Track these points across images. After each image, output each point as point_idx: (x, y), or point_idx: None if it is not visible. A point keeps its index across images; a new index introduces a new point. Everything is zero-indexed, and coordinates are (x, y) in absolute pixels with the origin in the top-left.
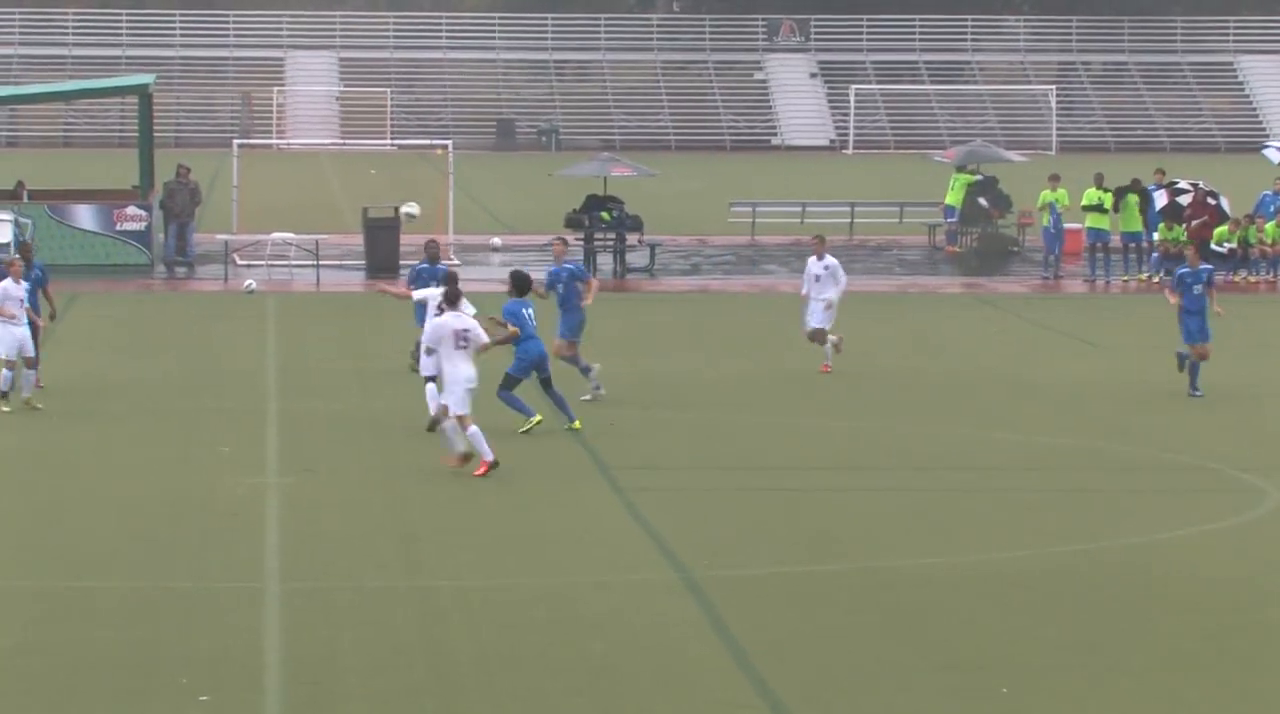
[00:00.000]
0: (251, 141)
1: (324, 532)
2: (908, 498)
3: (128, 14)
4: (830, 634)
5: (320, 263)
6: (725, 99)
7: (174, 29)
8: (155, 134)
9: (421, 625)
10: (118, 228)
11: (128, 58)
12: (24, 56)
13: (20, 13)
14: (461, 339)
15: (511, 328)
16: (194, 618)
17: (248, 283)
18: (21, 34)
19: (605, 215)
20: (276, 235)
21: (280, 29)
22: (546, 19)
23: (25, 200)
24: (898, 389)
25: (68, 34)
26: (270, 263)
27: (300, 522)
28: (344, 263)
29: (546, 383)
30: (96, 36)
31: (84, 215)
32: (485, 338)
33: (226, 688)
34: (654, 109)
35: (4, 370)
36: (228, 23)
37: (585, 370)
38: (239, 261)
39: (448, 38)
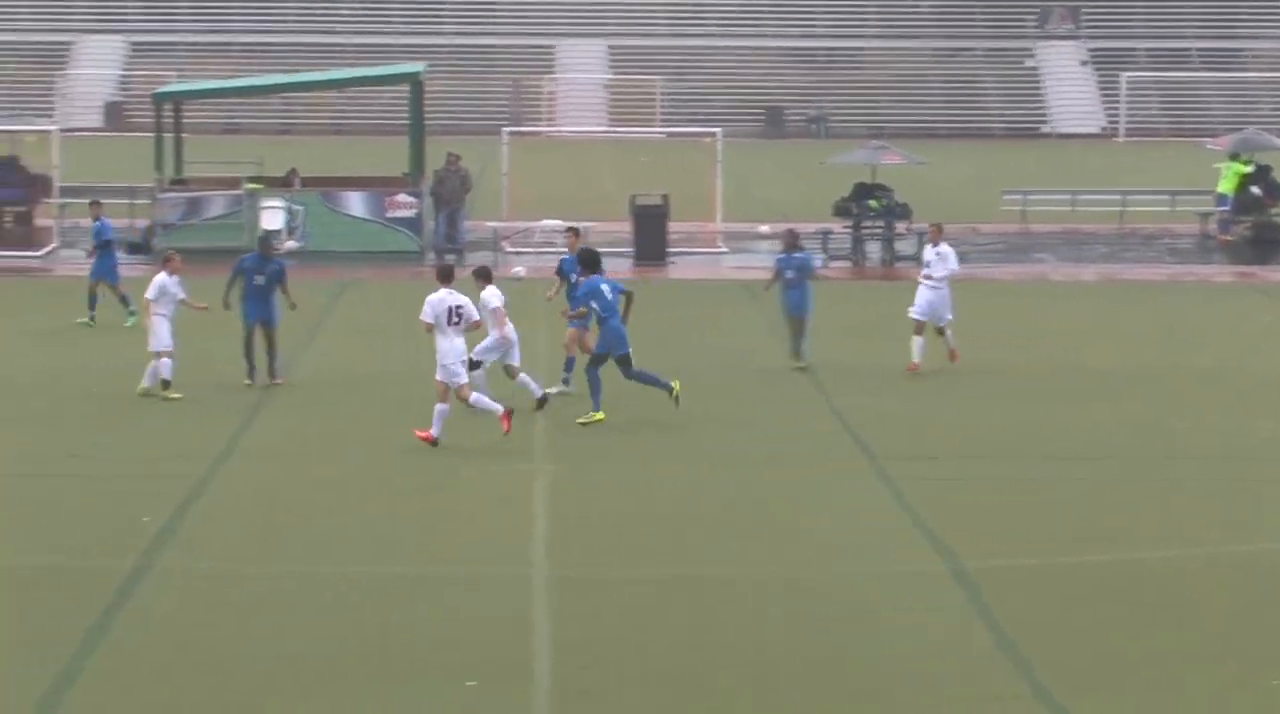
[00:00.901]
0: (521, 129)
1: (592, 518)
2: (1177, 489)
3: (400, 3)
4: (1101, 626)
5: None
6: (995, 86)
7: (445, 17)
8: (426, 121)
9: (690, 613)
10: (388, 215)
11: (399, 46)
12: (297, 44)
13: (294, 2)
14: (455, 315)
15: (580, 310)
16: (462, 603)
17: (516, 270)
18: (295, 23)
19: (874, 203)
20: (545, 222)
21: (551, 17)
22: (816, 6)
23: (298, 188)
24: (1165, 378)
25: (341, 22)
26: (539, 250)
27: (569, 507)
28: (613, 250)
29: (624, 362)
30: (369, 25)
31: (355, 202)
32: (477, 316)
33: (494, 673)
34: (923, 96)
35: (165, 359)
36: (499, 11)
37: (568, 364)
38: (508, 248)
39: (718, 25)
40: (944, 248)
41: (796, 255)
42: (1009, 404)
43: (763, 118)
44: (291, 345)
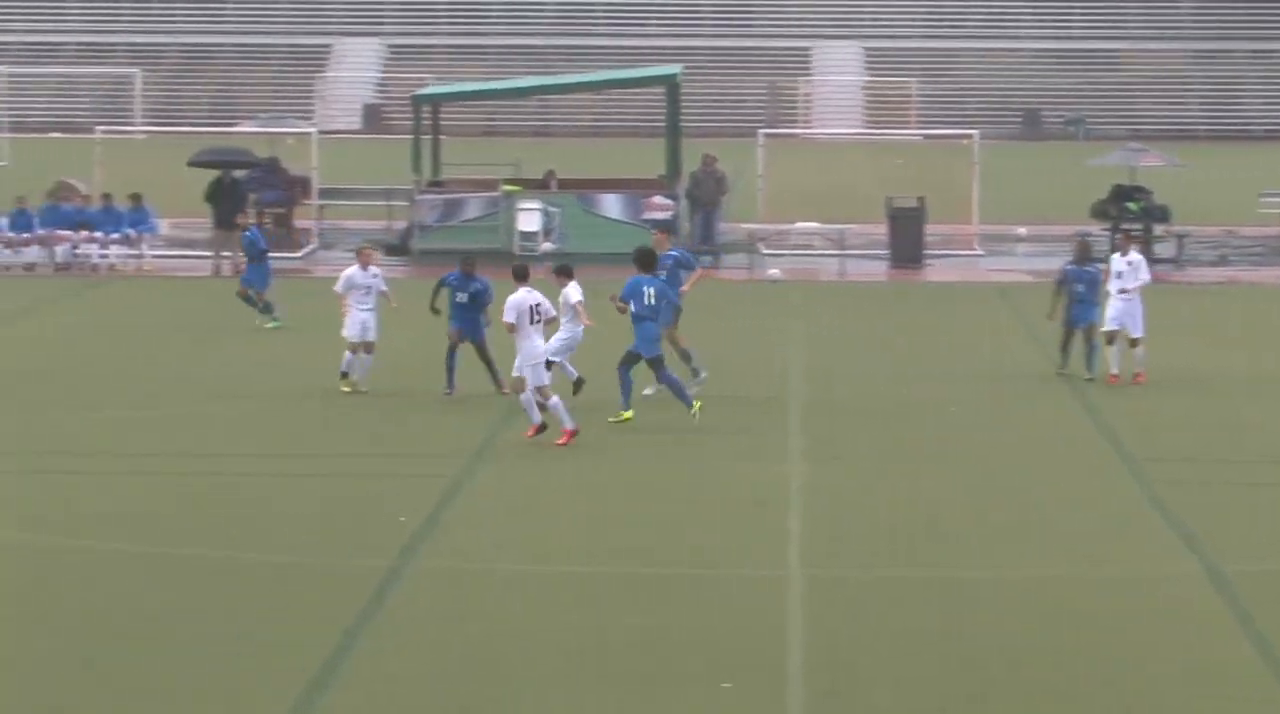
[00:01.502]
0: (777, 131)
1: (848, 520)
2: None
3: (657, 5)
4: None
5: (845, 252)
6: (1256, 87)
7: (702, 20)
8: (682, 123)
9: (944, 615)
10: (644, 217)
11: (656, 48)
12: (554, 47)
13: (552, 4)
14: (535, 313)
15: (619, 304)
16: (717, 604)
17: (772, 272)
18: (552, 25)
19: (1133, 205)
20: (801, 225)
21: (807, 19)
22: (1074, 7)
23: (554, 189)
24: None
25: (598, 25)
26: (795, 252)
27: (824, 510)
28: (868, 252)
29: (657, 363)
30: (626, 27)
31: (611, 204)
32: (554, 312)
33: (748, 674)
34: (1182, 98)
35: (347, 353)
36: (755, 13)
37: (686, 356)
38: (764, 251)
39: (974, 26)
40: (1135, 257)
41: (1089, 268)
42: (1270, 408)
43: (1020, 119)
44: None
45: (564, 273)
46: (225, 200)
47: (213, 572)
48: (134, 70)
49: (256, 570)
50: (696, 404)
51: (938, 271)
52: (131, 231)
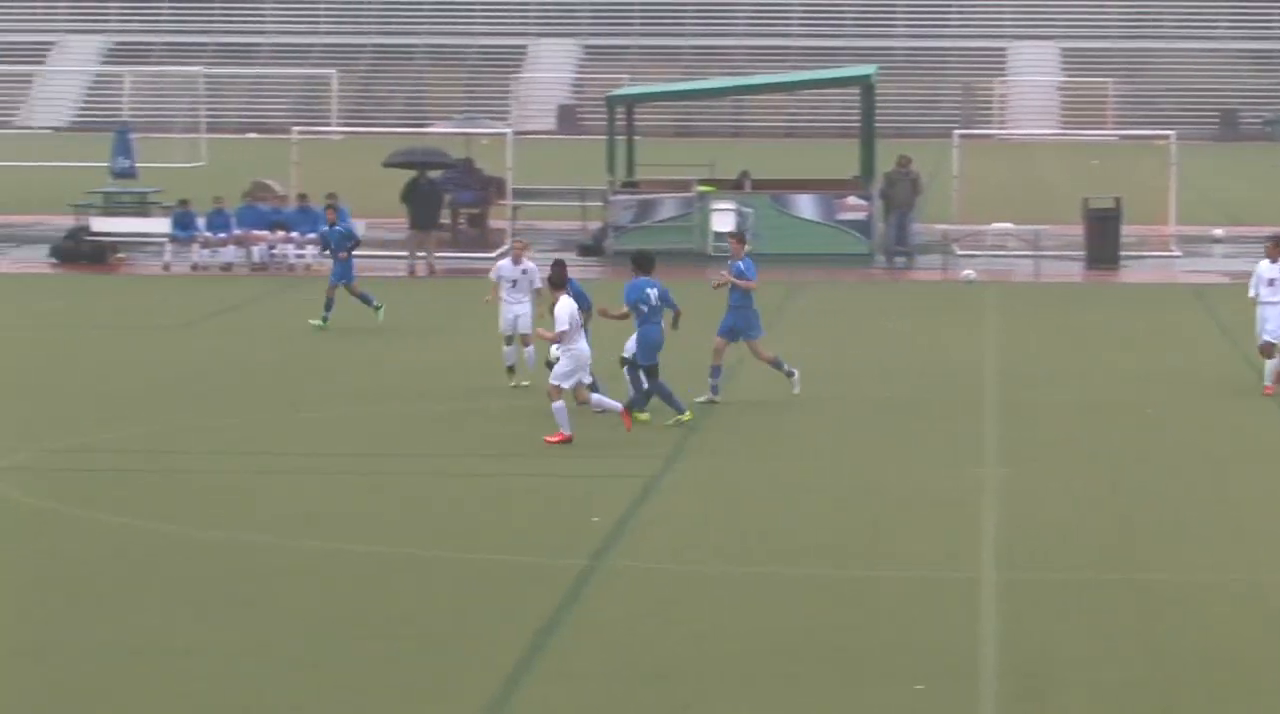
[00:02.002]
0: (972, 132)
1: (1043, 522)
2: None
3: (851, 5)
4: None
5: (1040, 253)
6: None
7: (897, 20)
8: (877, 124)
9: (1140, 619)
10: (838, 217)
11: (851, 49)
12: (748, 48)
13: (746, 5)
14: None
15: (621, 310)
16: (909, 606)
17: (966, 273)
18: (747, 26)
19: None
20: (996, 226)
21: (1002, 19)
22: (1273, 7)
23: (748, 190)
24: None
25: (792, 25)
26: (990, 253)
27: (1018, 512)
28: (1064, 253)
29: (651, 371)
30: (820, 27)
31: (805, 205)
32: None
33: (941, 677)
34: None
35: (504, 346)
36: (950, 13)
37: (714, 371)
38: (958, 252)
39: (1171, 26)
40: None
41: None
42: None
43: (1217, 120)
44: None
45: (557, 284)
46: (421, 201)
47: (417, 569)
48: (330, 71)
49: (456, 568)
50: (688, 414)
51: (1134, 273)
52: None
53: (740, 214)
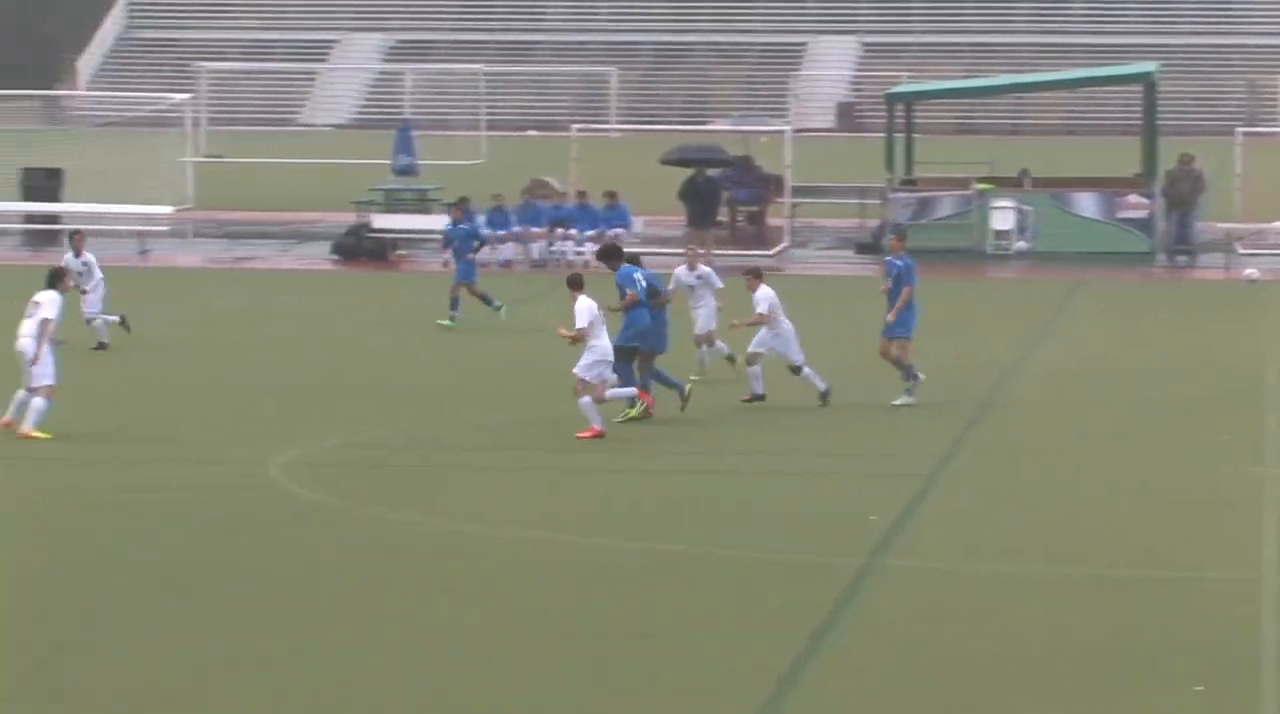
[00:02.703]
0: (1256, 129)
1: None
2: None
3: (1134, 2)
4: None
5: None
6: None
7: (1180, 16)
8: (1159, 122)
9: None
10: (1118, 216)
11: (1133, 45)
12: (1029, 45)
13: (1027, 3)
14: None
15: (630, 293)
16: (1187, 607)
17: (1249, 272)
18: (1027, 23)
19: None
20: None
21: None
22: None
23: (1028, 188)
24: None
25: (1074, 22)
26: (1273, 252)
27: None
28: None
29: (628, 355)
30: (1102, 24)
31: (1085, 203)
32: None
33: (1221, 678)
34: None
35: (703, 346)
36: (1234, 9)
37: (909, 375)
38: (1241, 251)
39: None
40: None
41: None
42: None
43: None
44: (1020, 346)
45: (575, 285)
46: (699, 198)
47: (691, 566)
48: (609, 68)
49: (729, 566)
50: (636, 409)
51: None
52: (606, 229)
53: (1020, 212)
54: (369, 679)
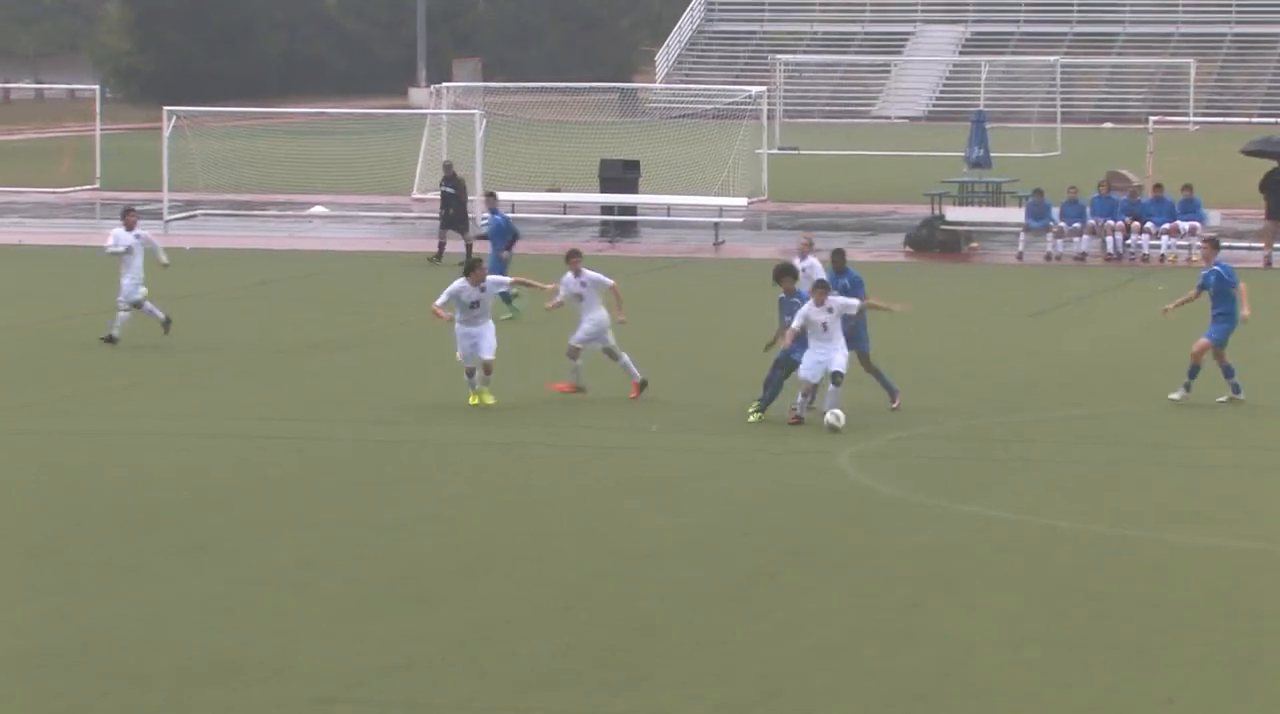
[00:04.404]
0: None
1: None
2: None
3: None
4: None
5: None
6: None
7: None
8: None
9: None
10: None
11: None
12: None
13: None
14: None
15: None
16: None
17: None
18: None
19: None
20: None
21: None
22: None
23: None
24: None
25: None
26: None
27: None
28: None
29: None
30: None
31: None
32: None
33: None
34: None
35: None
36: None
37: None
38: None
39: None
40: None
41: None
42: None
43: None
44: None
45: (574, 255)
46: (1278, 191)
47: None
48: (1188, 60)
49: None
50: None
51: None
52: (1182, 223)
53: None
54: (952, 673)
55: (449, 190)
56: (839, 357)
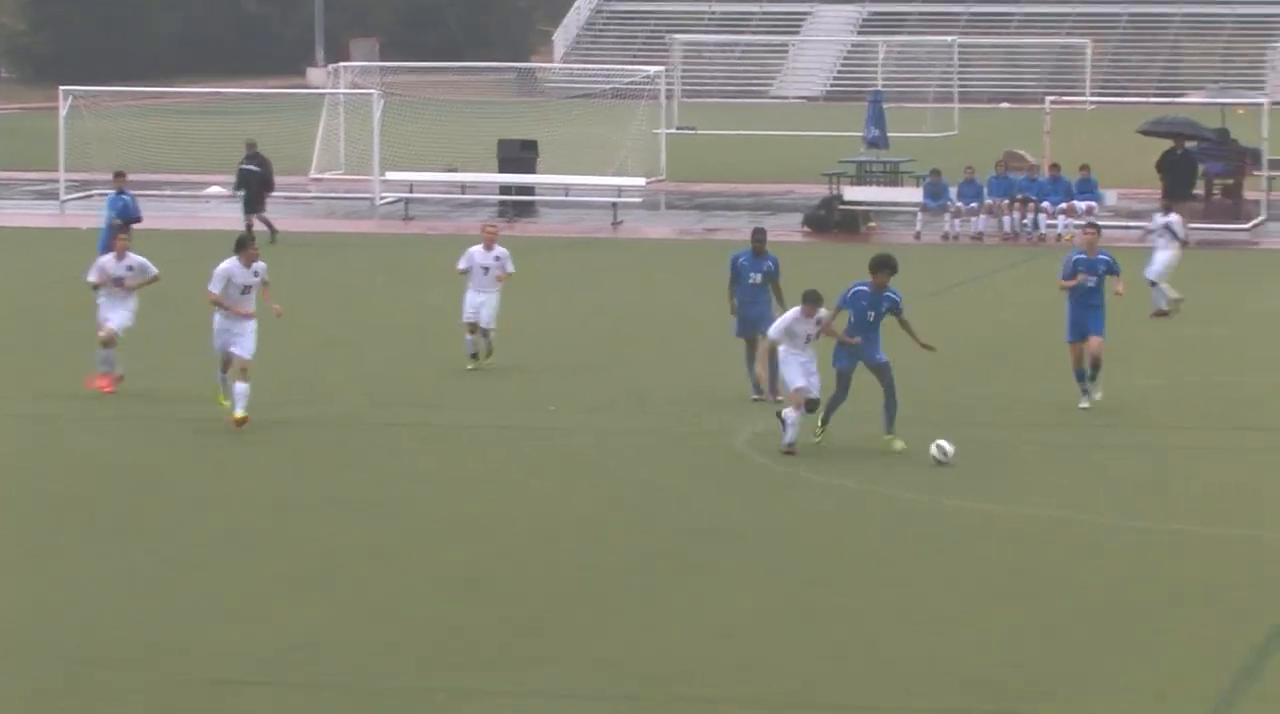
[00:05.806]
0: None
1: None
2: None
3: None
4: None
5: None
6: None
7: None
8: None
9: None
10: None
11: None
12: None
13: None
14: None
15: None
16: None
17: None
18: None
19: None
20: None
21: None
22: None
23: None
24: None
25: None
26: None
27: None
28: None
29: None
30: None
31: None
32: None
33: None
34: None
35: None
36: None
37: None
38: None
39: None
40: None
41: None
42: None
43: None
44: None
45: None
46: (1176, 170)
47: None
48: (1083, 40)
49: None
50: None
51: None
52: (1078, 202)
53: None
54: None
55: (252, 168)
56: (816, 380)
